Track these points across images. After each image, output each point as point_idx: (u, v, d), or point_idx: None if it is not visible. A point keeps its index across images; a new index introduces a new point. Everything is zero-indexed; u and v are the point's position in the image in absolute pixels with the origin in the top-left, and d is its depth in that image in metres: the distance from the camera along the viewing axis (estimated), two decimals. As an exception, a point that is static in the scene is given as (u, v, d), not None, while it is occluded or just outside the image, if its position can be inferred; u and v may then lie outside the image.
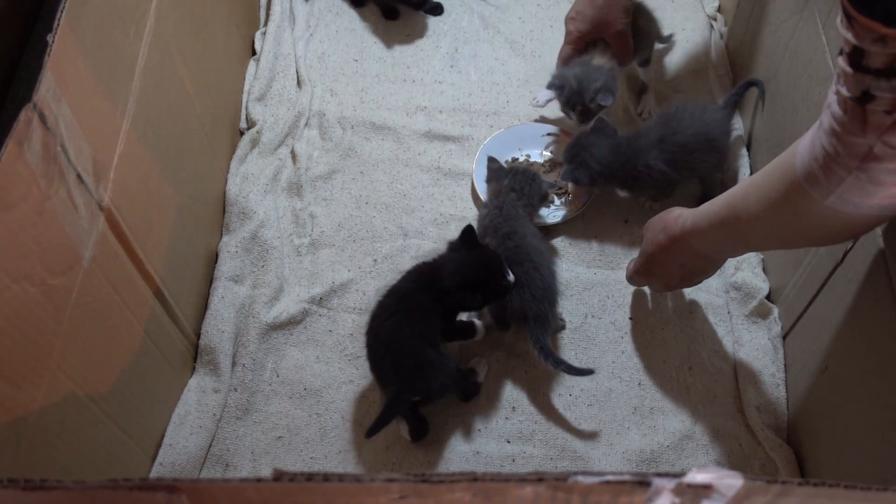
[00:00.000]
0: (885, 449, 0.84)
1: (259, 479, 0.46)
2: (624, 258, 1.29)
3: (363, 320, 1.13)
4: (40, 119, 0.73)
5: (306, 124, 1.45)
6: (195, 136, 1.22)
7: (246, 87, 1.47)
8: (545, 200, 1.30)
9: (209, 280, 1.24)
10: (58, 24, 0.77)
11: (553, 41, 1.56)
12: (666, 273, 1.06)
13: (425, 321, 1.07)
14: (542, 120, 1.46)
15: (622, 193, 1.35)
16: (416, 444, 1.11)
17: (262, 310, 1.22)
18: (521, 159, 1.41)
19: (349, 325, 1.23)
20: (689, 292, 1.25)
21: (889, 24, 0.58)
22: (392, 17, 1.61)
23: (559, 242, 1.32)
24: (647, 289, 1.26)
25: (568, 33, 1.33)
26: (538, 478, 0.45)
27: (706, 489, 0.46)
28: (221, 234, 1.30)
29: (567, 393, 1.17)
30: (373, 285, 1.26)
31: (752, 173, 1.30)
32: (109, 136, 0.91)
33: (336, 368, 1.19)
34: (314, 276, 1.28)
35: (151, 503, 0.48)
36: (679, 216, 1.01)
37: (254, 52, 1.53)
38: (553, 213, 1.33)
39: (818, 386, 1.04)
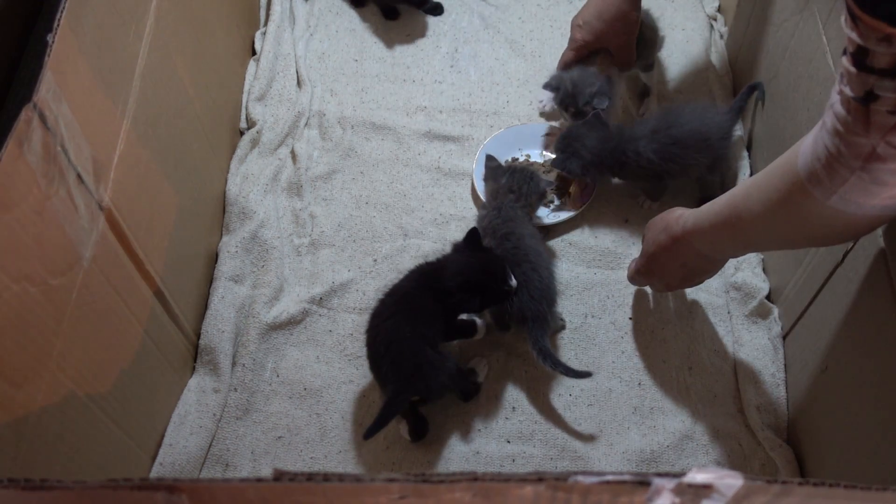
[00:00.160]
0: (885, 449, 0.84)
1: (259, 479, 0.46)
2: (624, 258, 1.29)
3: (363, 320, 1.13)
4: (40, 119, 0.73)
5: (306, 124, 1.45)
6: (195, 136, 1.22)
7: (246, 87, 1.47)
8: (543, 199, 1.30)
9: (209, 280, 1.24)
10: (58, 24, 0.77)
11: (553, 41, 1.56)
12: (667, 273, 1.06)
13: (426, 321, 1.07)
14: (543, 120, 1.46)
15: (615, 181, 1.35)
16: (416, 444, 1.11)
17: (262, 310, 1.22)
18: (521, 159, 1.41)
19: (349, 325, 1.23)
20: (690, 292, 1.25)
21: (894, 23, 0.57)
22: (392, 17, 1.61)
23: (559, 242, 1.32)
24: (648, 289, 1.26)
25: (573, 40, 1.34)
26: (538, 478, 0.45)
27: (706, 489, 0.46)
28: (221, 234, 1.30)
29: (567, 393, 1.17)
30: (373, 285, 1.26)
31: (752, 174, 1.31)
32: (109, 136, 0.91)
33: (336, 368, 1.19)
34: (314, 276, 1.28)
35: (151, 503, 0.48)
36: (680, 216, 1.01)
37: (254, 52, 1.53)
38: (553, 214, 1.33)
39: (818, 386, 1.03)
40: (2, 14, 0.81)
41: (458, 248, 1.14)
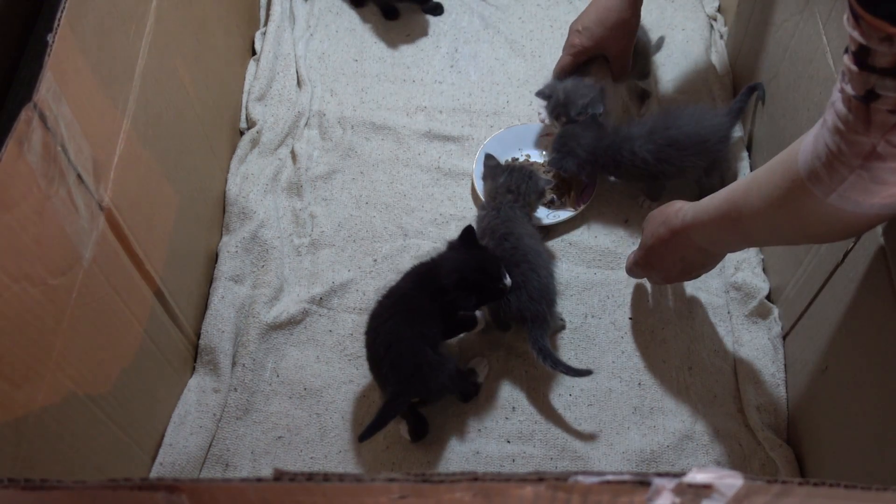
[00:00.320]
0: (886, 449, 0.84)
1: (259, 479, 0.46)
2: (624, 258, 1.28)
3: (363, 320, 1.13)
4: (40, 119, 0.73)
5: (306, 124, 1.45)
6: (195, 136, 1.22)
7: (246, 87, 1.47)
8: (542, 198, 1.30)
9: (209, 280, 1.24)
10: (58, 24, 0.77)
11: (553, 41, 1.56)
12: (665, 266, 1.06)
13: (425, 322, 1.07)
14: (542, 120, 1.46)
15: (612, 179, 1.35)
16: (415, 444, 1.11)
17: (262, 310, 1.22)
18: (521, 159, 1.41)
19: (349, 325, 1.23)
20: (690, 292, 1.25)
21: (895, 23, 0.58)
22: (392, 17, 1.61)
23: (559, 242, 1.32)
24: (647, 285, 1.26)
25: (571, 45, 1.34)
26: (538, 478, 0.45)
27: (706, 489, 0.46)
28: (221, 234, 1.30)
29: (567, 393, 1.17)
30: (373, 285, 1.26)
31: (752, 173, 1.31)
32: (109, 136, 0.91)
33: (336, 368, 1.19)
34: (314, 276, 1.28)
35: (151, 503, 0.48)
36: (680, 209, 1.01)
37: (254, 52, 1.53)
38: (552, 214, 1.33)
39: (818, 386, 1.03)
40: (2, 14, 0.81)
41: (453, 245, 1.14)
